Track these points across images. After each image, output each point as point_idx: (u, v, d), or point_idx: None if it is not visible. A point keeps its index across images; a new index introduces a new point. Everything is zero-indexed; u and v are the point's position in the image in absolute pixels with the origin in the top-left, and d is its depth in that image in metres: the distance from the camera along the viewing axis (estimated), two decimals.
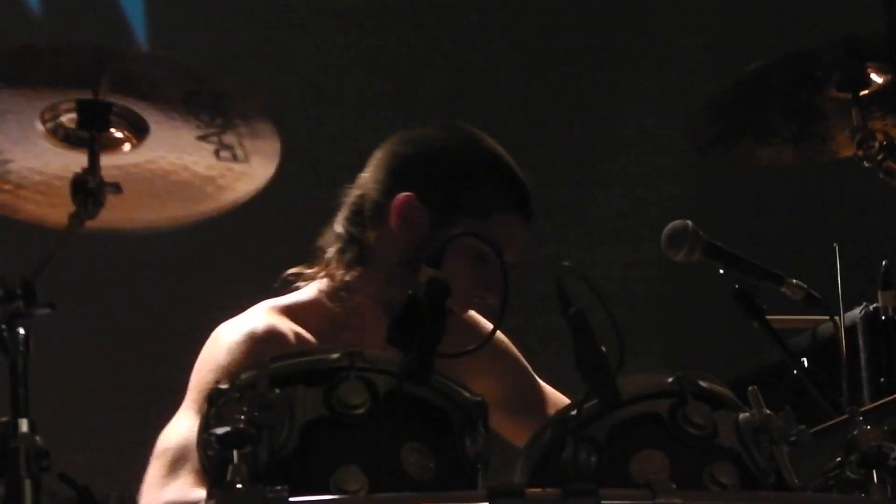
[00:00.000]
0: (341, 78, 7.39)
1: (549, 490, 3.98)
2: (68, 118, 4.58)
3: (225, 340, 5.28)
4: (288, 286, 5.49)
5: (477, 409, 4.30)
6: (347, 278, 5.37)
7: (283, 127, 5.28)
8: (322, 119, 7.45)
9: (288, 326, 5.35)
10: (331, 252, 5.42)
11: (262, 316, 5.36)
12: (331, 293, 5.37)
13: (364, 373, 4.20)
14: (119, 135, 4.61)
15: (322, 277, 5.45)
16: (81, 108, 4.56)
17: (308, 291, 5.47)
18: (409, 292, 4.36)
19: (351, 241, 5.38)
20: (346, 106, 7.64)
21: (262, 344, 5.19)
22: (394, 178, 5.39)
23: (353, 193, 5.48)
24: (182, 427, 4.89)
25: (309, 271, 5.51)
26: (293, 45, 8.13)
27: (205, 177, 4.88)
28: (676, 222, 5.27)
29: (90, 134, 4.53)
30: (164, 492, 5.05)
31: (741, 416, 4.27)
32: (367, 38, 8.17)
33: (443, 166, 5.47)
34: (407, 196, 5.28)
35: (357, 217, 5.42)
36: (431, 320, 4.26)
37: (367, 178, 5.46)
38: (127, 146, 4.66)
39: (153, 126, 4.69)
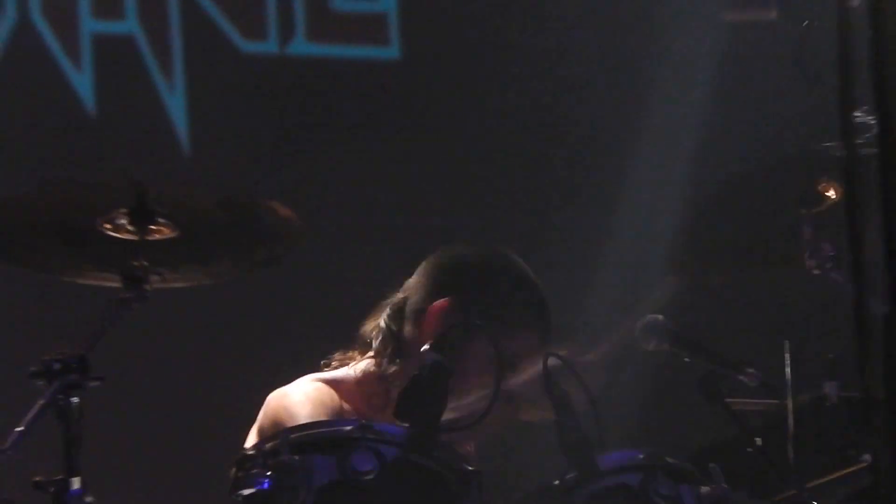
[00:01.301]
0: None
1: None
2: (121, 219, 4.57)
3: (283, 399, 5.46)
4: (329, 364, 5.53)
5: (473, 477, 4.46)
6: (390, 370, 5.39)
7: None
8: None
9: (330, 398, 5.46)
10: (375, 343, 5.48)
11: (309, 386, 5.46)
12: (372, 378, 5.42)
13: (373, 443, 4.39)
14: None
15: (365, 361, 5.50)
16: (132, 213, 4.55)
17: (351, 371, 5.51)
18: (414, 373, 4.65)
19: (391, 337, 5.44)
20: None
21: (315, 405, 5.38)
22: (435, 286, 5.48)
23: (398, 295, 5.56)
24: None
25: (350, 354, 5.57)
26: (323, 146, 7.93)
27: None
28: (650, 316, 5.33)
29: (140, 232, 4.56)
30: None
31: (702, 489, 4.50)
32: None
33: (479, 281, 5.54)
34: (444, 301, 5.38)
35: (398, 315, 5.50)
36: (433, 398, 4.48)
37: (412, 282, 5.55)
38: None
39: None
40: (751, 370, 5.15)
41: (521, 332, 5.29)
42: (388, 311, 5.48)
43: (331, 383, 5.46)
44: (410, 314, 5.46)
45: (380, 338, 5.47)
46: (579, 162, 7.30)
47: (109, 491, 4.44)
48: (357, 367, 5.48)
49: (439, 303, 5.38)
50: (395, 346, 5.39)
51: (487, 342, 5.07)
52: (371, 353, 5.48)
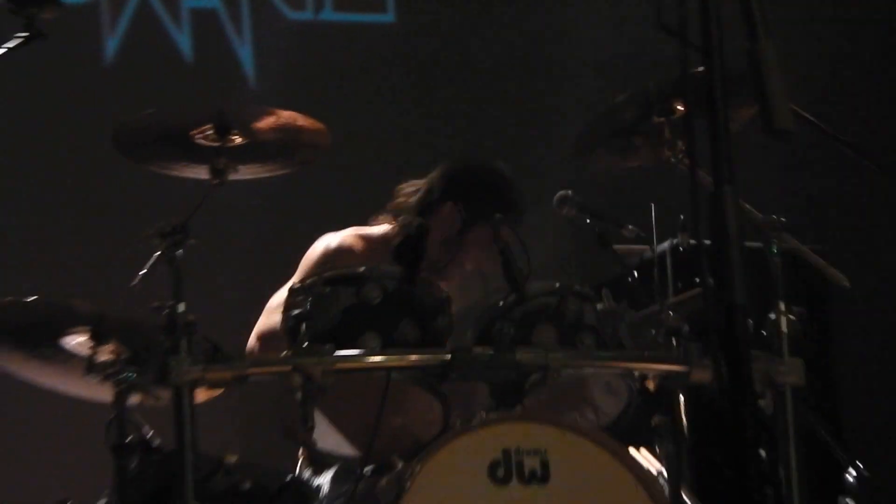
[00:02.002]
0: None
1: (485, 348, 4.45)
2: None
3: (315, 248, 5.45)
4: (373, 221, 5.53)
5: (444, 302, 4.60)
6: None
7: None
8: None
9: (360, 245, 5.44)
10: (408, 213, 5.44)
11: (345, 236, 5.48)
12: (391, 237, 5.37)
13: (379, 279, 4.51)
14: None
15: (390, 226, 5.49)
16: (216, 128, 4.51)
17: (381, 229, 5.49)
18: (405, 230, 4.93)
19: (416, 213, 5.38)
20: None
21: (334, 254, 5.35)
22: (448, 185, 5.43)
23: (423, 184, 5.50)
24: (280, 296, 4.90)
25: (383, 217, 5.52)
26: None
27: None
28: (562, 191, 5.22)
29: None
30: (258, 325, 5.25)
31: (598, 305, 4.65)
32: None
33: (479, 192, 5.46)
34: (454, 204, 5.34)
35: (425, 199, 5.44)
36: (418, 248, 4.60)
37: (434, 177, 5.47)
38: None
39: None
40: (630, 227, 5.19)
41: (499, 224, 5.03)
42: (417, 194, 5.47)
43: (364, 236, 5.44)
44: (431, 201, 5.43)
45: (399, 211, 5.47)
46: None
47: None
48: (384, 227, 5.45)
49: (451, 204, 5.38)
50: (410, 218, 5.30)
51: (485, 232, 5.16)
52: (395, 222, 5.47)
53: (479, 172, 5.60)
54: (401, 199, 5.47)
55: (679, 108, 5.02)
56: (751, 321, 4.60)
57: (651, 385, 4.57)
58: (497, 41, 7.06)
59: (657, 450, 4.64)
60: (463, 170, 5.61)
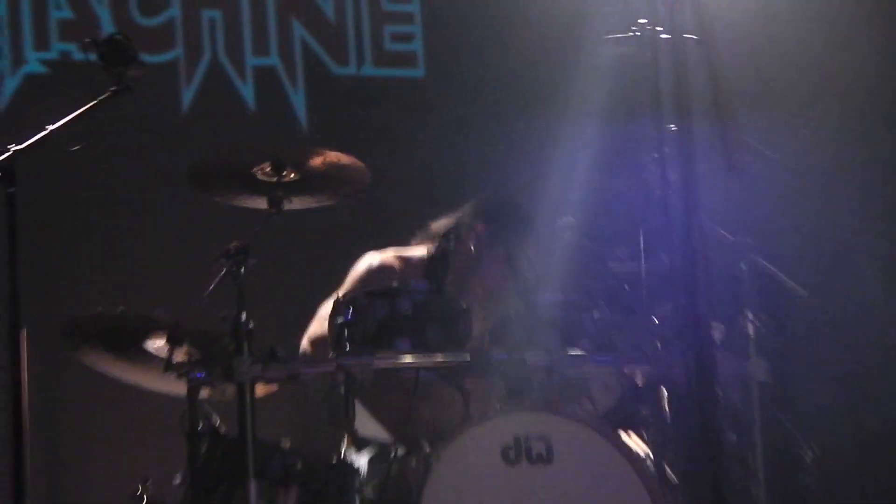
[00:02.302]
0: None
1: (500, 350, 4.51)
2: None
3: (359, 266, 5.39)
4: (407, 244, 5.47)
5: (465, 312, 4.56)
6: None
7: None
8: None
9: (398, 264, 5.38)
10: (438, 238, 5.27)
11: (385, 255, 5.42)
12: (426, 258, 5.30)
13: (410, 293, 4.52)
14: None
15: (425, 248, 5.38)
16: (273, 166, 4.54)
17: (417, 251, 5.41)
18: (433, 251, 5.05)
19: (449, 236, 5.18)
20: None
21: (376, 272, 5.30)
22: (478, 211, 5.35)
23: (456, 214, 5.39)
24: (328, 306, 4.74)
25: (420, 240, 5.44)
26: None
27: None
28: (565, 218, 5.22)
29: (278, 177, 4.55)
30: (309, 330, 5.19)
31: (595, 314, 4.66)
32: None
33: (499, 219, 5.36)
34: (482, 226, 5.29)
35: (456, 225, 5.30)
36: (444, 267, 4.75)
37: (466, 207, 5.40)
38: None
39: None
40: (622, 247, 5.06)
41: (519, 250, 5.20)
42: (449, 221, 5.37)
43: (402, 256, 5.38)
44: (462, 226, 5.34)
45: (441, 235, 5.26)
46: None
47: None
48: (420, 249, 5.37)
49: (480, 225, 5.33)
50: (444, 243, 5.14)
51: (502, 253, 5.26)
52: (430, 245, 5.34)
53: (504, 204, 5.52)
54: (435, 228, 5.41)
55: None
56: (723, 326, 4.68)
57: (639, 381, 4.63)
58: (499, 103, 6.82)
59: (644, 435, 4.66)
60: (492, 200, 5.54)
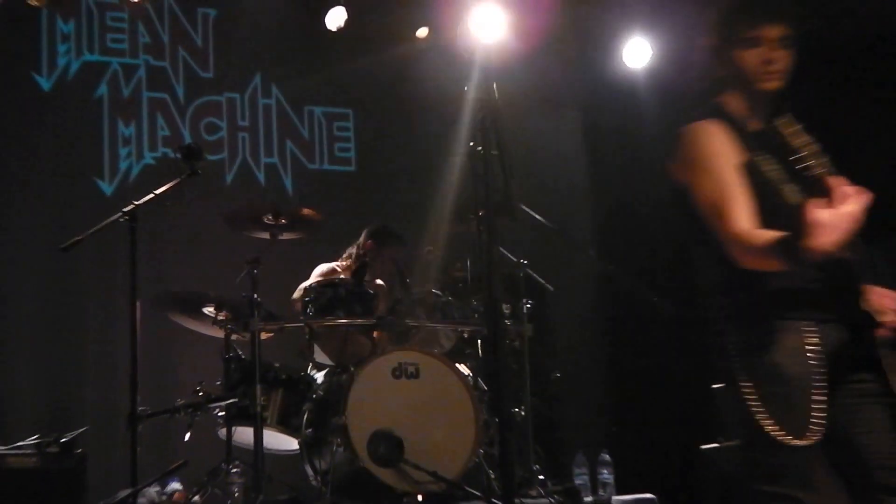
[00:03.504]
0: None
1: (392, 317, 4.41)
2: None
3: (317, 269, 5.02)
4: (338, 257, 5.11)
5: (375, 295, 4.43)
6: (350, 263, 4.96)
7: None
8: None
9: (338, 269, 5.03)
10: (352, 253, 5.03)
11: (331, 264, 5.07)
12: (348, 265, 5.01)
13: (343, 284, 4.46)
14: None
15: (347, 261, 5.07)
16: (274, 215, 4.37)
17: (343, 262, 5.08)
18: (357, 261, 4.83)
19: (356, 253, 5.00)
20: None
21: (327, 273, 5.00)
22: (368, 236, 4.95)
23: (358, 241, 5.04)
24: (301, 287, 4.64)
25: (346, 255, 5.11)
26: None
27: None
28: (427, 248, 4.98)
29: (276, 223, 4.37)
30: (294, 295, 4.79)
31: (449, 298, 4.51)
32: None
33: (379, 238, 5.03)
34: (370, 242, 4.98)
35: (358, 246, 5.02)
36: (360, 271, 4.57)
37: (363, 234, 5.06)
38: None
39: None
40: (430, 248, 4.98)
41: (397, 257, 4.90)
42: (355, 245, 5.05)
43: (339, 264, 5.08)
44: (361, 245, 5.00)
45: (351, 252, 5.04)
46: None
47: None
48: (346, 260, 5.05)
49: (368, 243, 5.00)
50: (356, 255, 4.99)
51: (386, 257, 4.97)
52: (348, 257, 5.07)
53: (384, 230, 5.12)
54: (352, 249, 5.10)
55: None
56: (509, 305, 4.55)
57: (466, 335, 4.62)
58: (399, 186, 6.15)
59: (468, 364, 4.58)
60: (377, 228, 5.12)
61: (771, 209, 2.20)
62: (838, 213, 2.00)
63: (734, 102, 2.46)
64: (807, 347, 2.24)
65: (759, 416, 2.22)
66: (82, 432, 3.82)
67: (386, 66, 5.84)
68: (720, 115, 2.41)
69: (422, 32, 5.72)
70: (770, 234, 2.16)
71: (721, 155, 2.31)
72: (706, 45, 2.49)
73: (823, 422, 2.21)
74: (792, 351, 2.24)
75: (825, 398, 2.22)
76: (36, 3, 5.15)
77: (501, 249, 3.19)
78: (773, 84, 2.41)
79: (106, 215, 4.10)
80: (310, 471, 4.21)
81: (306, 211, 4.54)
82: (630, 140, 6.14)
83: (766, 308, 2.28)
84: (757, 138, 2.35)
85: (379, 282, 5.02)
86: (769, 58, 2.39)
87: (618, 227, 6.16)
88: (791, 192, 2.14)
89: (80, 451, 3.70)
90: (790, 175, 2.14)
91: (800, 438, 2.18)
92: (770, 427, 2.20)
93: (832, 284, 2.26)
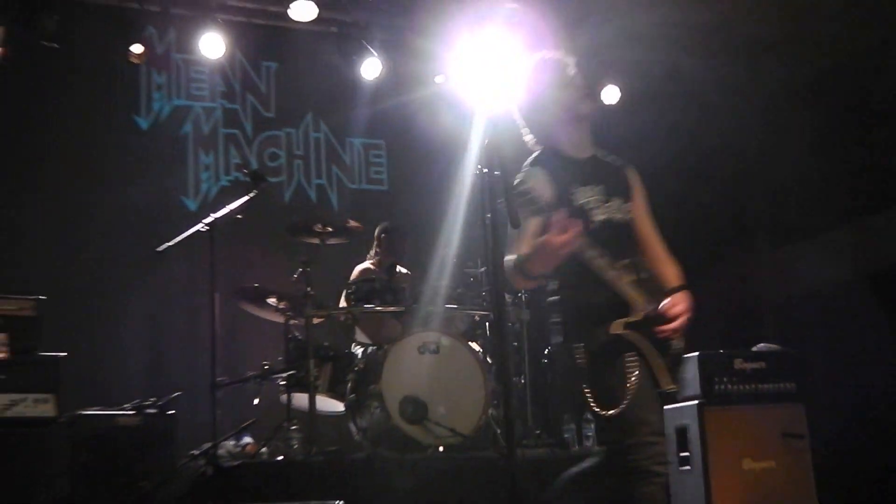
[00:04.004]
0: None
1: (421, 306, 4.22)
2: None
3: (356, 268, 4.90)
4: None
5: (403, 288, 4.35)
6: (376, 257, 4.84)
7: None
8: None
9: (371, 267, 4.92)
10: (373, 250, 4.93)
11: (366, 264, 4.95)
12: (378, 262, 4.90)
13: (379, 279, 4.43)
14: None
15: (374, 257, 4.97)
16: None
17: (372, 260, 4.95)
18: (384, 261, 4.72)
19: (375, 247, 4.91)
20: None
21: (363, 270, 4.89)
22: (380, 232, 4.86)
23: (379, 233, 4.88)
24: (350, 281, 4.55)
25: (371, 253, 5.02)
26: None
27: None
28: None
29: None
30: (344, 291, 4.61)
31: (459, 290, 4.39)
32: None
33: (389, 233, 4.89)
34: (384, 236, 4.84)
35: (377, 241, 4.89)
36: (391, 268, 4.55)
37: (377, 230, 4.92)
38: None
39: None
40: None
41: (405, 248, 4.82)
42: (374, 244, 4.93)
43: (369, 264, 4.94)
44: (376, 239, 4.89)
45: (372, 251, 4.93)
46: None
47: None
48: (373, 258, 4.90)
49: (381, 236, 4.88)
50: (376, 250, 4.89)
51: (395, 246, 4.83)
52: (375, 254, 4.93)
53: (392, 227, 5.00)
54: (372, 250, 4.96)
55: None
56: (509, 297, 4.45)
57: (477, 318, 4.51)
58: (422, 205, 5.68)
59: (480, 342, 4.46)
60: (386, 225, 5.01)
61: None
62: (550, 241, 2.12)
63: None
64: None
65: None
66: (174, 397, 3.85)
67: (411, 105, 5.86)
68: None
69: (440, 79, 5.78)
70: (509, 257, 2.23)
71: None
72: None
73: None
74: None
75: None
76: (136, 61, 5.20)
77: (504, 251, 2.99)
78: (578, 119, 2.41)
79: (191, 226, 4.14)
80: (353, 428, 4.20)
81: (350, 222, 4.51)
82: None
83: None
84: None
85: (403, 270, 4.86)
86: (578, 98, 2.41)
87: None
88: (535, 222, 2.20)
89: (172, 412, 3.75)
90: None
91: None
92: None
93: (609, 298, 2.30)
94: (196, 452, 3.92)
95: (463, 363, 4.11)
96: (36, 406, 3.29)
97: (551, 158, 2.49)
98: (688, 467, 3.46)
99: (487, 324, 4.56)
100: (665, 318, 2.38)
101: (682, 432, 3.53)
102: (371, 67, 5.67)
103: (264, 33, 5.74)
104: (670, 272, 2.55)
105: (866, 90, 4.66)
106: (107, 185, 5.28)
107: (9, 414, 3.24)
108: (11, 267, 4.87)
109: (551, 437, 4.51)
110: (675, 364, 2.45)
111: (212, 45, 5.35)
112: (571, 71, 2.53)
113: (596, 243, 2.33)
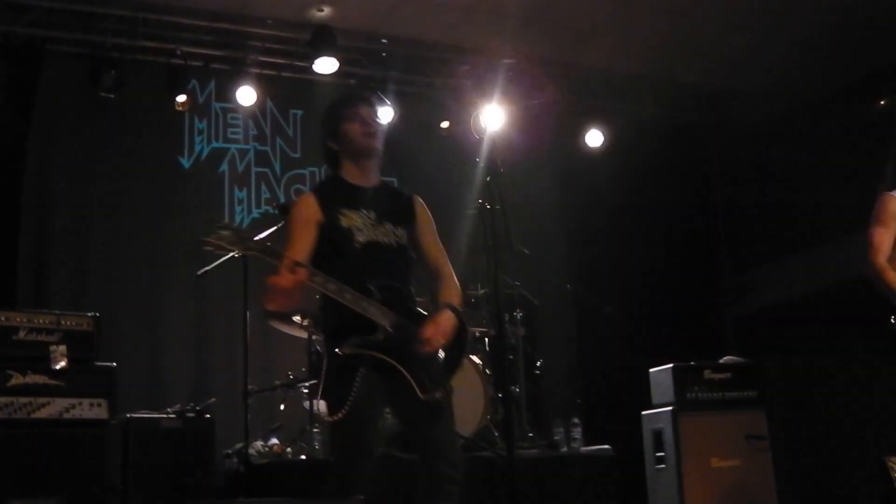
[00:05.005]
0: None
1: None
2: None
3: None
4: None
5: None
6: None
7: None
8: None
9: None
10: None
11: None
12: None
13: None
14: None
15: None
16: None
17: None
18: None
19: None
20: None
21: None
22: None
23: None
24: None
25: None
26: None
27: None
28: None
29: None
30: None
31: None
32: None
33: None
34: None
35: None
36: None
37: None
38: None
39: None
40: None
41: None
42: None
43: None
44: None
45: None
46: None
47: None
48: None
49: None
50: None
51: None
52: None
53: None
54: None
55: None
56: (506, 313, 4.37)
57: (478, 334, 4.39)
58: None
59: (479, 354, 4.35)
60: None
61: None
62: (276, 281, 2.16)
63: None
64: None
65: None
66: (211, 403, 3.85)
67: (420, 146, 5.80)
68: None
69: (445, 124, 5.80)
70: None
71: None
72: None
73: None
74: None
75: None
76: (181, 109, 5.33)
77: (502, 275, 3.03)
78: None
79: (227, 253, 3.86)
80: None
81: None
82: (592, 196, 6.17)
83: None
84: None
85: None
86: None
87: (583, 258, 6.10)
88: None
89: (209, 416, 3.75)
90: None
91: None
92: None
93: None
94: (230, 451, 3.94)
95: (465, 373, 4.04)
96: (91, 409, 3.38)
97: (329, 185, 2.47)
98: (663, 466, 3.60)
99: (486, 339, 4.55)
100: (415, 335, 2.32)
101: (657, 435, 3.63)
102: (386, 113, 5.68)
103: (292, 84, 5.77)
104: (447, 294, 2.45)
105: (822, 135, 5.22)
106: (155, 216, 5.34)
107: (68, 416, 3.34)
108: (76, 287, 4.95)
109: (543, 439, 4.49)
110: (434, 375, 2.35)
111: (246, 94, 5.48)
112: (363, 109, 2.48)
113: (357, 263, 2.30)
